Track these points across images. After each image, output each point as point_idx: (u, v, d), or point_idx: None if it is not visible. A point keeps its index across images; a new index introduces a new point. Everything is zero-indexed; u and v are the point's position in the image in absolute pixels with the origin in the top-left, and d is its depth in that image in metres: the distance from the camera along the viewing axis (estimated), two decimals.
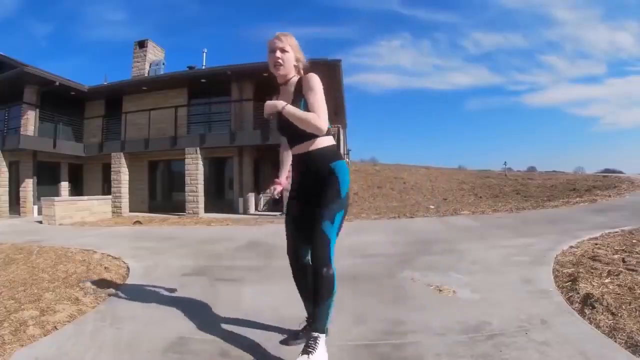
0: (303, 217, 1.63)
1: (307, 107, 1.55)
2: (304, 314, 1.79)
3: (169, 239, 5.40)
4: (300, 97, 1.60)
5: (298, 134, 1.59)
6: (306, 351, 1.40)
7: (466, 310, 2.02)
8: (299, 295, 1.78)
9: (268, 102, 1.60)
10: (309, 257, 1.59)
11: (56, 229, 7.41)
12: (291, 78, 1.69)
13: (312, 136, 1.58)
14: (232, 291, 2.58)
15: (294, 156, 1.71)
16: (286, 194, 1.85)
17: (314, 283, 1.49)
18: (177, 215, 10.13)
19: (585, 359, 1.43)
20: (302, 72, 1.72)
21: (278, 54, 1.62)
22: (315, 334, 1.45)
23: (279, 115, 1.59)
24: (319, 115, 1.51)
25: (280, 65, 1.63)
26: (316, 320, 1.48)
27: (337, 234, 1.56)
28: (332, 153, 1.64)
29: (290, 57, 1.65)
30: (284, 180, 1.84)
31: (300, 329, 1.74)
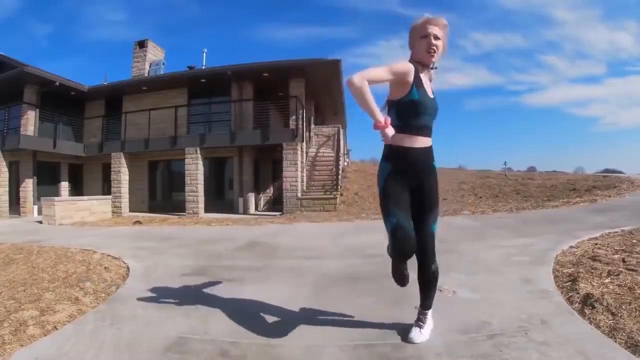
0: (409, 206, 1.61)
1: None
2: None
3: (169, 239, 5.40)
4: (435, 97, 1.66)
5: (428, 124, 1.62)
6: (418, 324, 1.74)
7: (466, 310, 2.02)
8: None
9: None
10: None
11: (56, 229, 7.41)
12: (430, 69, 1.64)
13: (431, 132, 1.64)
14: (232, 291, 2.58)
15: (403, 148, 1.57)
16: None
17: (425, 277, 1.73)
18: (177, 215, 10.13)
19: (585, 359, 1.43)
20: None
21: (433, 40, 1.55)
22: (426, 311, 1.77)
23: (426, 94, 1.58)
24: None
25: (435, 53, 1.57)
26: (425, 302, 1.76)
27: None
28: (433, 153, 1.67)
29: (441, 45, 1.60)
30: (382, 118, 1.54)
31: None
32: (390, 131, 1.52)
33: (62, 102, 11.84)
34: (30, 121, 10.84)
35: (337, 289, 2.54)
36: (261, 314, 2.08)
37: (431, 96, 1.61)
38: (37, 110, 11.06)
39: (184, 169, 10.50)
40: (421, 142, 1.59)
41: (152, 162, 12.22)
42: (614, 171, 23.82)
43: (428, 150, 1.62)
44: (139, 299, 2.43)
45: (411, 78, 1.54)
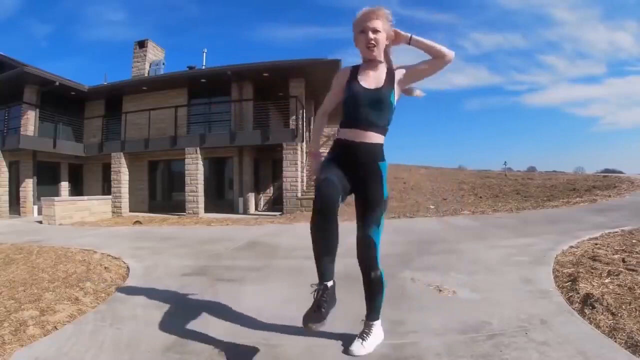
0: (343, 178, 1.52)
1: (395, 101, 1.57)
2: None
3: (169, 239, 5.40)
4: (390, 86, 1.55)
5: (368, 117, 1.52)
6: (361, 336, 1.59)
7: (466, 310, 2.02)
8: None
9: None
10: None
11: (56, 229, 7.41)
12: (380, 60, 1.59)
13: (377, 128, 1.54)
14: (232, 291, 2.58)
15: (344, 141, 1.56)
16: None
17: (366, 284, 1.62)
18: (177, 215, 10.13)
19: (585, 359, 1.43)
20: (389, 56, 1.62)
21: (371, 35, 1.51)
22: (371, 322, 1.63)
23: (361, 88, 1.53)
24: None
25: (374, 46, 1.52)
26: (371, 313, 1.63)
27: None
28: (382, 152, 1.59)
29: (383, 38, 1.54)
30: (319, 151, 1.72)
31: (315, 304, 1.40)
32: (317, 163, 1.65)
33: (62, 102, 11.85)
34: (30, 121, 10.83)
35: (336, 289, 2.54)
36: (261, 314, 2.08)
37: (371, 87, 1.54)
38: (37, 110, 11.05)
39: (184, 169, 10.50)
40: (361, 136, 1.53)
41: (152, 162, 12.22)
42: (614, 171, 23.82)
43: (370, 147, 1.54)
44: (139, 299, 2.43)
45: (345, 80, 1.60)
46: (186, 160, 10.44)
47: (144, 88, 12.04)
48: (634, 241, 3.44)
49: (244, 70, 10.75)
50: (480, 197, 10.99)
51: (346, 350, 1.56)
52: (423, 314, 2.00)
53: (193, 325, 1.96)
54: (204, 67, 12.85)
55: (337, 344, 1.68)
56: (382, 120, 1.55)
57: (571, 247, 3.38)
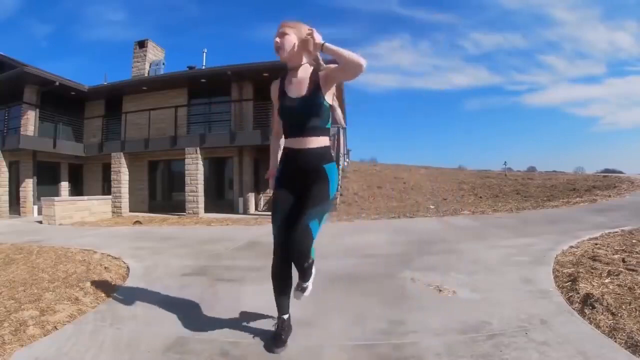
0: (292, 211, 1.60)
1: (327, 101, 1.59)
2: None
3: (169, 239, 5.40)
4: (315, 88, 1.58)
5: (302, 125, 1.58)
6: (302, 288, 1.62)
7: (466, 310, 2.02)
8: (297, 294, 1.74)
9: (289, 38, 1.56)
10: None
11: (56, 229, 7.41)
12: (302, 65, 1.63)
13: (314, 132, 1.59)
14: (232, 291, 2.58)
15: (289, 149, 1.64)
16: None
17: (299, 271, 1.59)
18: (177, 215, 10.13)
19: (585, 359, 1.43)
20: (319, 61, 1.65)
21: (277, 39, 1.58)
22: (305, 284, 1.62)
23: (288, 99, 1.60)
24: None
25: (279, 47, 1.58)
26: (305, 277, 1.61)
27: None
28: (327, 154, 1.64)
29: (291, 40, 1.56)
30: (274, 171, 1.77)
31: (276, 331, 1.71)
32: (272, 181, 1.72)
33: (62, 102, 11.85)
34: (30, 121, 10.83)
35: (336, 289, 2.54)
36: (261, 314, 2.08)
37: (296, 96, 1.60)
38: (37, 110, 11.05)
39: (184, 169, 10.50)
40: (302, 142, 1.60)
41: (152, 162, 12.22)
42: (614, 171, 23.83)
43: (313, 151, 1.60)
44: (139, 299, 2.43)
45: (276, 94, 1.69)
46: (186, 160, 10.44)
47: (144, 88, 12.04)
48: (634, 241, 3.44)
49: (244, 70, 10.75)
50: (480, 197, 10.98)
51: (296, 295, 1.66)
52: (423, 314, 2.00)
53: (193, 325, 1.96)
54: (204, 67, 12.84)
55: (338, 344, 1.68)
56: (316, 123, 1.59)
57: (571, 247, 3.38)
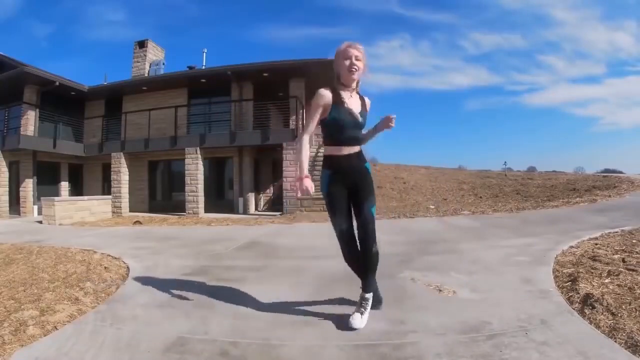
0: (348, 204, 1.92)
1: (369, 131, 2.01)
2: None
3: (169, 239, 5.40)
4: (364, 109, 1.94)
5: (358, 137, 1.95)
6: (359, 310, 1.89)
7: (466, 310, 2.02)
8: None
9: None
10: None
11: (56, 229, 7.41)
12: (355, 88, 1.93)
13: (359, 140, 1.97)
14: (232, 291, 2.58)
15: (342, 156, 1.90)
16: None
17: (365, 259, 1.89)
18: (177, 215, 10.13)
19: (585, 359, 1.43)
20: (358, 88, 1.96)
21: (354, 60, 1.83)
22: (367, 295, 1.93)
23: (349, 111, 1.86)
24: None
25: (355, 71, 1.83)
26: (367, 285, 1.93)
27: None
28: (364, 155, 1.99)
29: (362, 66, 1.86)
30: (309, 178, 1.86)
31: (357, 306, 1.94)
32: (308, 183, 1.81)
33: (62, 102, 11.85)
34: (30, 121, 10.84)
35: (337, 289, 2.54)
36: (261, 313, 2.08)
37: (353, 111, 1.87)
38: (37, 110, 11.06)
39: (184, 169, 10.51)
40: (346, 150, 1.89)
41: (152, 162, 12.22)
42: (614, 171, 23.86)
43: (355, 155, 1.92)
44: (139, 299, 2.43)
45: (330, 102, 1.84)
46: (186, 160, 10.44)
47: (144, 88, 12.05)
48: (634, 241, 3.44)
49: (244, 70, 10.75)
50: (480, 197, 10.99)
51: (349, 326, 1.81)
52: (423, 314, 2.00)
53: (193, 325, 1.96)
54: (204, 67, 12.85)
55: (338, 344, 1.68)
56: (360, 133, 1.97)
57: (571, 247, 3.38)
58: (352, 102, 1.88)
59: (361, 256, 1.89)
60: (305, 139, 1.88)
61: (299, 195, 1.85)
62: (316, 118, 1.87)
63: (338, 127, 1.85)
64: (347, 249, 1.92)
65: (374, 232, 1.87)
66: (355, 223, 1.91)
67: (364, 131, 1.99)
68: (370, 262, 1.89)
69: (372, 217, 1.87)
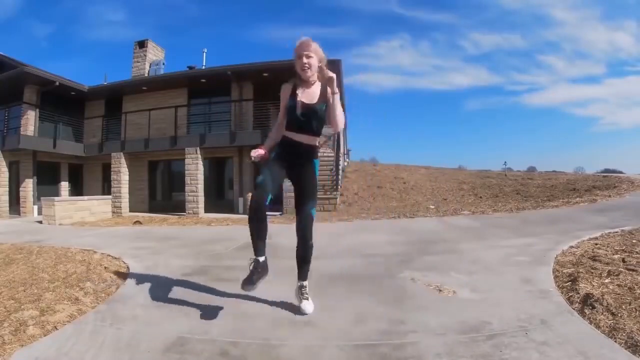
0: (279, 177, 2.00)
1: (327, 110, 1.98)
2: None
3: (169, 239, 5.40)
4: (323, 100, 1.98)
5: (311, 127, 2.00)
6: (305, 297, 2.12)
7: (466, 310, 2.02)
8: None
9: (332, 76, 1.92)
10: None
11: (56, 229, 7.41)
12: (314, 81, 2.03)
13: (316, 134, 2.04)
14: (232, 291, 2.58)
15: (291, 141, 2.02)
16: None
17: (303, 250, 2.10)
18: (177, 215, 10.13)
19: (585, 359, 1.43)
20: (324, 74, 2.00)
21: (305, 59, 1.94)
22: (305, 283, 2.16)
23: (308, 105, 1.97)
24: (343, 115, 1.99)
25: (308, 68, 1.95)
26: (303, 275, 2.16)
27: None
28: (316, 152, 2.11)
29: (315, 62, 1.96)
30: (267, 152, 2.06)
31: (250, 274, 1.89)
32: (259, 151, 2.00)
33: (62, 102, 11.86)
34: (30, 121, 10.84)
35: (337, 289, 2.54)
36: (261, 313, 2.08)
37: (307, 102, 1.98)
38: (37, 110, 11.06)
39: (184, 169, 10.51)
40: (298, 137, 2.01)
41: (152, 162, 12.23)
42: (614, 171, 23.86)
43: (305, 145, 2.02)
44: (139, 299, 2.43)
45: (288, 94, 2.04)
46: (186, 160, 10.45)
47: (144, 88, 12.05)
48: (634, 241, 3.44)
49: (244, 70, 10.76)
50: (480, 197, 10.99)
51: (299, 311, 2.04)
52: (423, 314, 2.00)
53: (193, 325, 1.96)
54: (204, 67, 12.85)
55: (338, 344, 1.68)
56: (314, 126, 2.02)
57: (571, 247, 3.38)
58: (307, 95, 1.99)
59: (299, 248, 2.11)
60: (274, 127, 2.16)
61: (252, 156, 2.01)
62: (282, 108, 2.07)
63: (290, 116, 2.00)
64: (255, 205, 1.90)
65: (311, 231, 2.06)
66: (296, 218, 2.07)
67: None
68: (306, 254, 2.09)
69: (312, 218, 2.06)
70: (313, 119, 1.99)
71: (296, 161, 2.03)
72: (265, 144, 2.12)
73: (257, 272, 1.85)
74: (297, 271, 2.16)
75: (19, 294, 2.52)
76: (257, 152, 1.99)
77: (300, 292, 2.13)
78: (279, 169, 2.01)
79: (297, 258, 2.13)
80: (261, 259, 1.89)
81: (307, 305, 2.07)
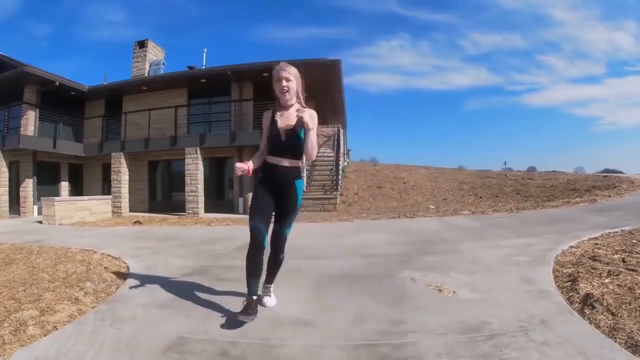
0: (269, 208, 2.07)
1: (305, 136, 1.99)
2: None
3: (169, 239, 5.40)
4: (300, 126, 1.97)
5: (292, 151, 2.04)
6: (267, 294, 2.28)
7: (466, 310, 2.02)
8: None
9: (305, 116, 1.95)
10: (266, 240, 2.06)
11: (56, 229, 7.41)
12: (292, 104, 2.06)
13: (297, 157, 2.07)
14: (232, 291, 2.58)
15: (273, 165, 2.05)
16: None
17: (273, 261, 2.20)
18: (177, 215, 10.13)
19: (585, 359, 1.43)
20: (302, 101, 2.08)
21: (284, 82, 1.98)
22: (270, 285, 2.29)
23: (278, 129, 2.01)
24: (315, 148, 2.03)
25: (286, 92, 1.99)
26: (270, 279, 2.27)
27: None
28: (299, 173, 2.13)
29: (293, 86, 2.01)
30: (251, 169, 2.09)
31: (247, 304, 2.00)
32: (242, 165, 2.04)
33: (62, 102, 11.85)
34: (30, 121, 10.83)
35: (336, 289, 2.54)
36: (261, 314, 2.08)
37: (283, 127, 2.01)
38: (37, 110, 11.05)
39: (184, 169, 10.50)
40: (280, 162, 2.04)
41: (152, 162, 12.22)
42: (614, 171, 23.86)
43: (285, 168, 2.05)
44: (139, 299, 2.43)
45: (268, 120, 2.09)
46: (186, 160, 10.44)
47: (144, 88, 12.04)
48: (634, 241, 3.45)
49: (244, 70, 10.75)
50: (480, 197, 10.99)
51: (261, 303, 2.15)
52: (423, 314, 2.00)
53: (193, 325, 1.96)
54: (204, 67, 12.84)
55: (337, 344, 1.68)
56: (294, 150, 2.04)
57: (571, 247, 3.38)
58: (285, 118, 2.03)
59: (270, 258, 2.18)
60: (258, 152, 2.17)
61: (237, 171, 2.04)
62: (265, 134, 2.13)
63: (271, 141, 2.06)
64: (253, 251, 2.01)
65: (284, 247, 2.18)
66: (270, 228, 2.10)
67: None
68: (276, 265, 2.22)
69: (285, 238, 2.16)
70: (293, 142, 2.02)
71: (280, 184, 2.06)
72: (251, 161, 2.16)
73: (252, 307, 1.95)
74: (267, 275, 2.24)
75: (19, 294, 2.53)
76: (242, 167, 2.03)
77: (264, 289, 2.27)
78: (266, 195, 2.06)
79: (268, 264, 2.19)
80: (255, 297, 2.00)
81: (270, 300, 2.25)
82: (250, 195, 11.03)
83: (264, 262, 2.05)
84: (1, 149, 10.59)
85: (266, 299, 2.24)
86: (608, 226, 4.32)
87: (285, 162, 2.05)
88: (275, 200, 2.08)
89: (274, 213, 2.09)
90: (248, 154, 11.13)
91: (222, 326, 1.93)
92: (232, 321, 1.97)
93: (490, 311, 1.96)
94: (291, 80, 2.00)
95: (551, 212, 6.56)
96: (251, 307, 1.95)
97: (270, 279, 2.28)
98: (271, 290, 2.30)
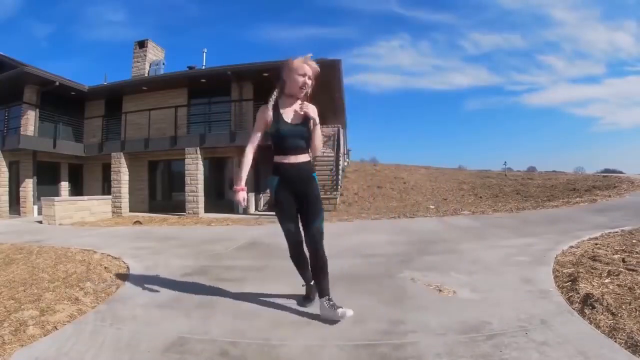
0: (293, 208, 2.03)
1: (313, 131, 2.01)
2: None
3: (169, 239, 5.40)
4: (306, 120, 1.98)
5: (305, 146, 2.01)
6: (336, 307, 1.91)
7: (466, 310, 2.02)
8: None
9: (312, 110, 1.95)
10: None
11: (56, 229, 7.41)
12: (300, 98, 2.02)
13: (308, 152, 2.04)
14: (232, 291, 2.58)
15: (287, 164, 1.99)
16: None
17: (316, 263, 1.99)
18: (177, 215, 10.13)
19: (585, 359, 1.43)
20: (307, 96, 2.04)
21: (307, 80, 1.96)
22: (329, 297, 1.99)
23: (287, 124, 1.97)
24: (322, 142, 2.06)
25: (306, 88, 1.97)
26: (322, 290, 1.99)
27: None
28: (313, 166, 2.11)
29: (310, 83, 1.99)
30: (243, 187, 2.04)
31: (306, 294, 2.23)
32: (242, 195, 2.01)
33: (62, 102, 11.85)
34: (30, 121, 10.84)
35: (336, 289, 2.53)
36: (261, 314, 2.08)
37: (292, 123, 1.98)
38: (37, 110, 11.06)
39: (184, 169, 10.50)
40: (292, 159, 1.99)
41: (152, 162, 12.22)
42: (614, 171, 23.87)
43: (301, 164, 2.01)
44: (139, 299, 2.43)
45: (270, 116, 2.00)
46: (186, 160, 10.44)
47: (144, 88, 12.04)
48: (634, 241, 3.45)
49: (244, 70, 10.75)
50: (480, 197, 10.99)
51: (343, 316, 1.90)
52: (423, 314, 2.00)
53: (193, 325, 1.96)
54: (204, 67, 12.84)
55: (338, 344, 1.68)
56: (305, 144, 2.02)
57: (571, 247, 3.38)
58: (294, 114, 1.99)
59: (312, 264, 2.03)
60: (249, 150, 2.07)
61: (242, 205, 2.05)
62: (259, 131, 2.04)
63: (280, 138, 1.98)
64: (293, 249, 2.09)
65: (323, 245, 2.01)
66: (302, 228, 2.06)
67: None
68: (321, 269, 2.00)
69: (321, 233, 2.01)
70: (306, 138, 2.00)
71: (301, 182, 2.01)
72: (241, 175, 2.05)
73: (312, 292, 2.13)
74: (317, 287, 2.04)
75: (19, 294, 2.53)
76: (243, 197, 2.02)
77: (330, 304, 1.93)
78: (288, 197, 2.01)
79: (312, 271, 2.05)
80: (311, 283, 2.16)
81: (346, 312, 1.89)
82: (250, 196, 11.07)
83: (305, 254, 2.07)
84: (1, 149, 10.59)
85: (340, 311, 1.88)
86: (608, 226, 4.32)
87: (302, 158, 2.01)
88: (299, 199, 2.02)
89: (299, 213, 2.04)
90: None
91: (222, 326, 1.93)
92: (232, 321, 1.97)
93: (490, 311, 1.96)
94: (312, 78, 1.99)
95: (551, 212, 6.56)
96: (311, 292, 2.16)
97: (322, 288, 1.98)
98: (334, 302, 1.95)
